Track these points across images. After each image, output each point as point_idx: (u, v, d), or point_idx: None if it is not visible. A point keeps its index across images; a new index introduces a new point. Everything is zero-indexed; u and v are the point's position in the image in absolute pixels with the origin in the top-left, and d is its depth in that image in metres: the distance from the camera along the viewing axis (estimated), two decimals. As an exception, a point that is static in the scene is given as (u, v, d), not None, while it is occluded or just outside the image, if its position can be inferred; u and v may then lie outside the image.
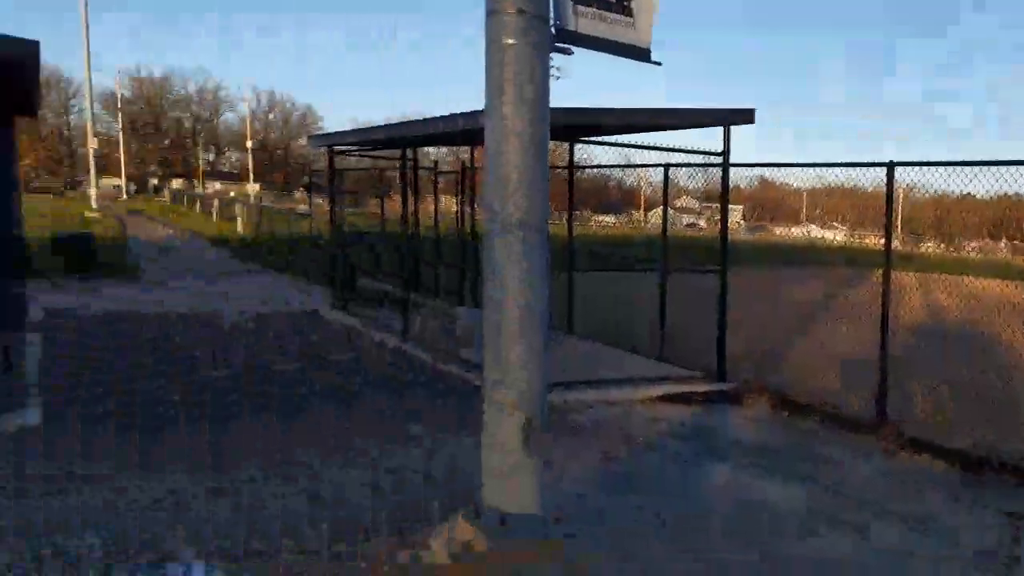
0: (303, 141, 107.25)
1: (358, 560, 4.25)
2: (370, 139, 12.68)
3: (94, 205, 42.50)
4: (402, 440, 6.68)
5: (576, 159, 11.64)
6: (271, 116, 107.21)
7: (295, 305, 14.13)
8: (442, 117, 9.43)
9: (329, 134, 13.98)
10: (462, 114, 8.85)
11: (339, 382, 8.78)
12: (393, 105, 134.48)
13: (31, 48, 6.63)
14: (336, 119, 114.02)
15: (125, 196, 74.04)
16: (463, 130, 8.86)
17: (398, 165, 12.48)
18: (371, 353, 10.49)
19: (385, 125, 12.54)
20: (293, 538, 4.54)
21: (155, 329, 11.35)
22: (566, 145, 11.60)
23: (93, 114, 55.22)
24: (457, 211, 13.81)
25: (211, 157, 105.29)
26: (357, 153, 14.33)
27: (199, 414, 7.20)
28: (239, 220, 35.77)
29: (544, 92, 4.36)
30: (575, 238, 11.77)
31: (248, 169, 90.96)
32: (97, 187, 47.54)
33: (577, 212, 14.27)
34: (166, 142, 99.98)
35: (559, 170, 12.19)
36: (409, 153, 12.44)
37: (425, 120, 10.35)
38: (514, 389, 4.33)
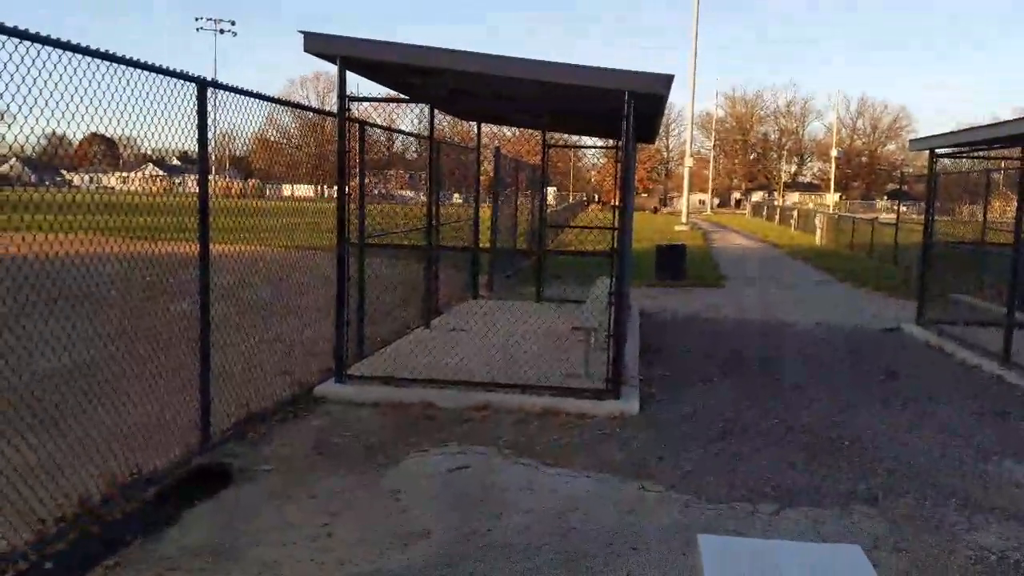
0: (892, 147, 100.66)
1: None
2: (987, 138, 11.07)
3: (683, 220, 46.67)
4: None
5: None
6: (859, 123, 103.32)
7: (870, 319, 13.39)
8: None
9: (932, 136, 12.49)
10: None
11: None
12: (993, 104, 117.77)
13: (666, 83, 6.94)
14: (927, 122, 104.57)
15: (709, 210, 79.71)
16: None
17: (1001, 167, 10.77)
18: (958, 379, 9.39)
19: (1008, 121, 10.91)
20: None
21: (731, 335, 12.02)
22: None
23: (692, 136, 60.98)
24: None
25: (792, 169, 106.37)
26: (964, 156, 12.79)
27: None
28: (818, 231, 35.38)
29: None
30: None
31: (829, 179, 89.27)
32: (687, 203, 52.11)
33: None
34: (752, 156, 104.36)
35: None
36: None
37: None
38: None
